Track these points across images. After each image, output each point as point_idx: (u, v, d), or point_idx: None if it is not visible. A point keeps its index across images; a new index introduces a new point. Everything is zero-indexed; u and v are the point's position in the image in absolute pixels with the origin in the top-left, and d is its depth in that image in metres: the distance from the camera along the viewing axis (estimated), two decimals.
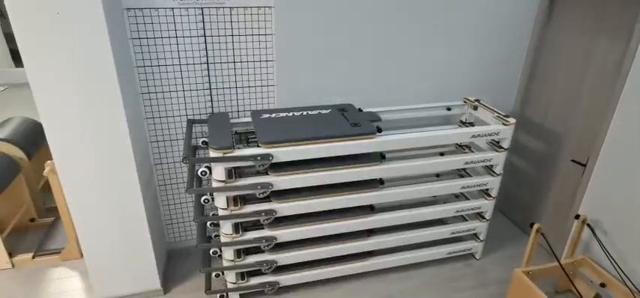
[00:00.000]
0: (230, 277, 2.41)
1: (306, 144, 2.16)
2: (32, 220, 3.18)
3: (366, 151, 2.29)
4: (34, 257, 2.82)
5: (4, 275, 2.71)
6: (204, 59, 2.46)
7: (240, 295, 2.51)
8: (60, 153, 2.06)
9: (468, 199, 2.89)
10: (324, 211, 2.40)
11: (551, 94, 2.89)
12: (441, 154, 2.96)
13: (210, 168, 2.20)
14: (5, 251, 2.73)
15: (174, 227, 2.89)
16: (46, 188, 3.16)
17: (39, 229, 3.15)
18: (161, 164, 2.65)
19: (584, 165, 2.58)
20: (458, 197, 3.03)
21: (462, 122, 2.97)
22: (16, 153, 3.05)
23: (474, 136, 2.46)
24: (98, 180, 2.16)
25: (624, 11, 2.36)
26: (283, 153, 2.14)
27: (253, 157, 2.10)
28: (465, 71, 2.95)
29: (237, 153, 2.08)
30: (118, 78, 2.00)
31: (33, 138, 3.25)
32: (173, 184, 2.74)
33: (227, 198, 2.21)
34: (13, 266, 2.78)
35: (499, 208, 3.54)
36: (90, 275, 2.38)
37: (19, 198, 3.07)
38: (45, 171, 2.55)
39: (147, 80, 2.41)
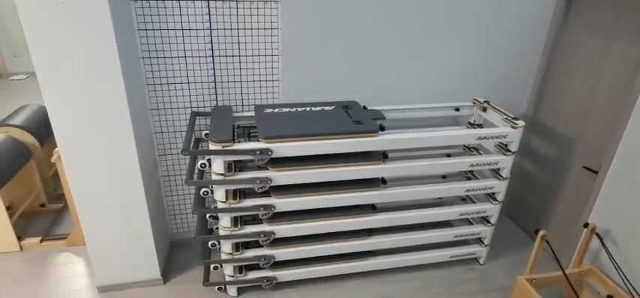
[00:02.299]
0: (228, 270, 2.42)
1: (306, 140, 2.14)
2: (42, 205, 3.26)
3: (367, 149, 2.25)
4: (41, 241, 2.89)
5: (12, 257, 2.78)
6: (209, 52, 2.46)
7: (237, 288, 2.52)
8: (63, 141, 2.09)
9: (474, 202, 2.83)
10: (324, 208, 2.38)
11: (565, 97, 2.80)
12: (448, 156, 2.91)
13: (210, 161, 2.20)
14: (14, 234, 2.80)
15: (177, 218, 2.91)
16: (57, 174, 3.23)
17: (49, 214, 3.23)
18: (165, 155, 2.68)
19: (596, 172, 2.49)
20: (464, 200, 2.97)
21: (470, 123, 2.90)
22: (28, 139, 3.13)
23: (480, 138, 2.40)
24: (100, 168, 2.19)
25: None
26: (282, 148, 2.13)
27: (252, 151, 2.09)
28: (477, 71, 2.87)
29: (237, 146, 2.08)
30: (122, 69, 2.02)
31: (46, 126, 3.32)
32: (177, 176, 2.76)
33: (226, 192, 2.21)
34: (21, 248, 2.86)
35: (508, 213, 3.45)
36: (92, 262, 2.42)
37: (30, 184, 3.14)
38: (52, 157, 2.61)
39: (152, 71, 2.43)
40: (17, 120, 3.19)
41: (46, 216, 3.21)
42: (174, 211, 2.88)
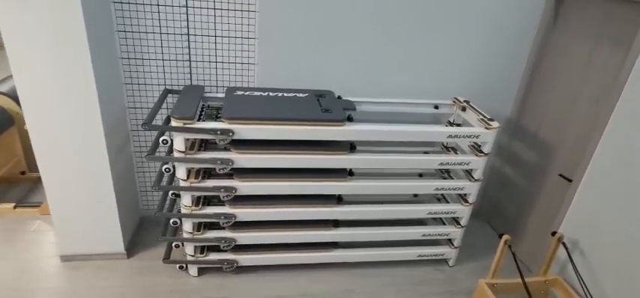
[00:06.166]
0: (189, 249, 2.41)
1: (269, 124, 2.12)
2: (23, 173, 3.30)
3: (332, 139, 2.22)
4: (15, 207, 2.92)
5: None
6: (185, 30, 2.45)
7: (198, 269, 2.51)
8: (30, 110, 2.11)
9: (448, 202, 2.78)
10: (288, 195, 2.35)
11: (548, 103, 2.72)
12: (426, 153, 2.86)
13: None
14: None
15: (148, 195, 2.91)
16: None
17: (28, 182, 3.26)
18: (138, 131, 2.68)
19: (571, 181, 2.42)
20: (439, 200, 2.92)
21: (449, 122, 2.84)
22: (12, 106, 3.16)
23: (451, 136, 2.34)
24: (65, 138, 2.20)
25: (628, 19, 2.18)
26: (245, 130, 2.10)
27: (213, 131, 2.07)
28: (465, 73, 2.82)
29: (198, 125, 2.06)
30: (88, 38, 2.01)
31: None
32: None
33: (188, 170, 2.20)
34: None
35: (487, 219, 3.38)
36: (55, 232, 2.43)
37: (11, 150, 3.18)
38: (25, 125, 2.62)
39: (127, 45, 2.43)
40: (2, 87, 3.22)
41: (25, 183, 3.25)
42: (145, 187, 2.88)
